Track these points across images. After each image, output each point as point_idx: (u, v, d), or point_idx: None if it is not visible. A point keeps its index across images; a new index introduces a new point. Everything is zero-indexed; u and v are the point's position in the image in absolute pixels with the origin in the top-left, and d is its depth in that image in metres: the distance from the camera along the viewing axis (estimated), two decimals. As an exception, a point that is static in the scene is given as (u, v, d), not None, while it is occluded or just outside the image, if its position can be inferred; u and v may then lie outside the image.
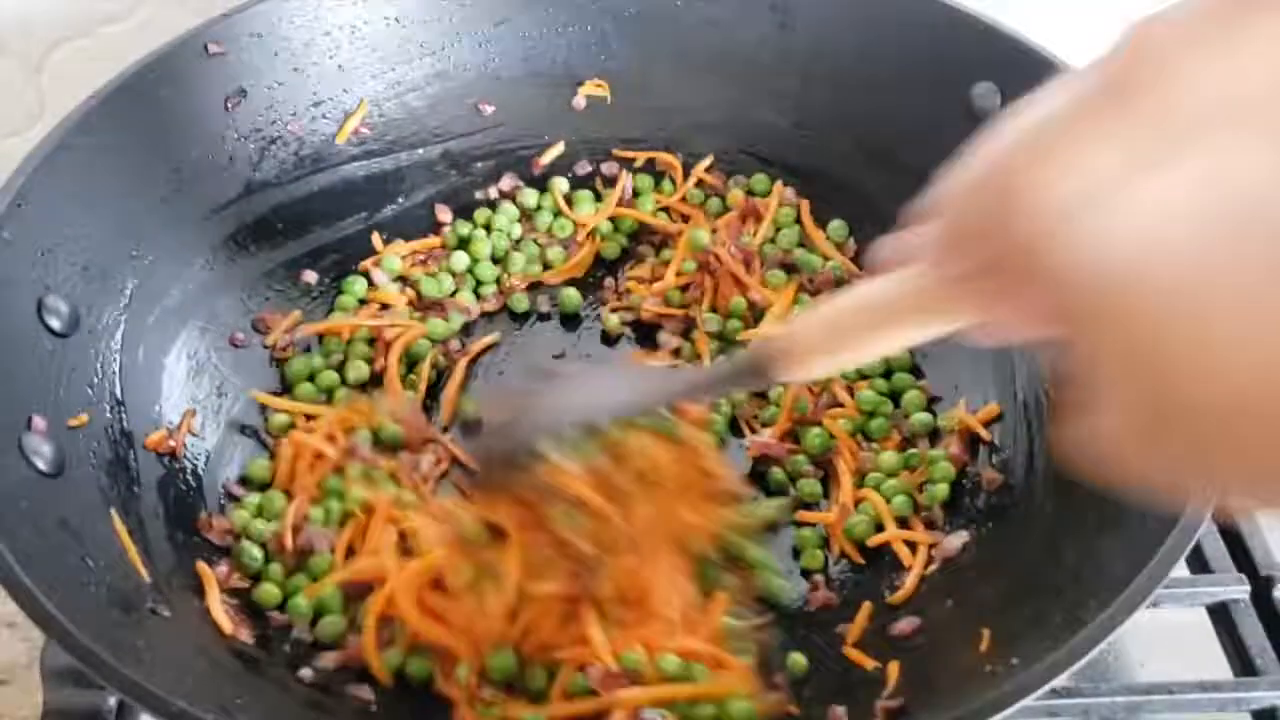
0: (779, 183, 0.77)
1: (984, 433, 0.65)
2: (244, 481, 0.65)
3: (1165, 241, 0.21)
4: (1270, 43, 0.22)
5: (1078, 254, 0.23)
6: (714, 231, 0.76)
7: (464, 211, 0.78)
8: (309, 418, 0.67)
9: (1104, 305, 0.23)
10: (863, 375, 0.69)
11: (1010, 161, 0.25)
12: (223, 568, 0.59)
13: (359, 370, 0.70)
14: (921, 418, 0.67)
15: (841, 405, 0.67)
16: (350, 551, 0.61)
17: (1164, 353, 0.22)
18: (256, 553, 0.60)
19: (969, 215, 0.27)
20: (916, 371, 0.70)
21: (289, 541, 0.60)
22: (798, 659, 0.57)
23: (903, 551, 0.61)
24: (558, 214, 0.78)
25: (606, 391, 0.57)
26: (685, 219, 0.78)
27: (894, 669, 0.54)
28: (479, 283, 0.76)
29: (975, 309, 0.34)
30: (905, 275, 0.37)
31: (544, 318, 0.75)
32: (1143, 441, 0.24)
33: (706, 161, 0.79)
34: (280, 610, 0.59)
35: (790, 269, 0.74)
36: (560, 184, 0.79)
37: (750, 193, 0.78)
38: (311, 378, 0.70)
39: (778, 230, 0.76)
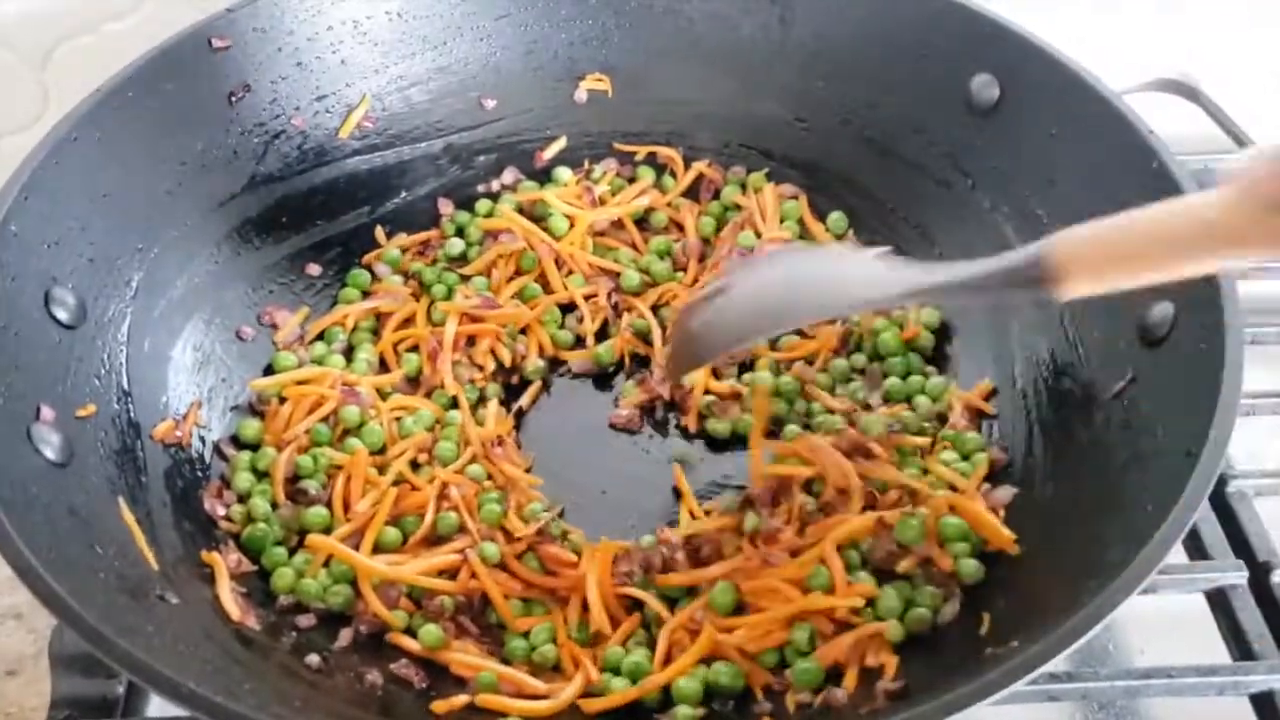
0: (772, 183, 0.78)
1: (987, 407, 0.66)
2: (235, 441, 0.66)
3: None
4: None
5: None
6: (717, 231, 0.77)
7: (466, 205, 0.79)
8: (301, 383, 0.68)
9: None
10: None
11: None
12: (233, 555, 0.60)
13: (369, 354, 0.71)
14: (924, 400, 0.67)
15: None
16: (345, 506, 0.63)
17: None
18: (264, 508, 0.62)
19: None
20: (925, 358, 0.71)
21: (281, 495, 0.62)
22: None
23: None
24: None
25: (837, 281, 0.53)
26: (680, 227, 0.78)
27: (890, 655, 0.55)
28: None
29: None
30: (1210, 199, 0.36)
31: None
32: None
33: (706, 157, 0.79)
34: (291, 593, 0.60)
35: None
36: (563, 174, 0.79)
37: (743, 187, 0.78)
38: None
39: (781, 222, 0.76)
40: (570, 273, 0.76)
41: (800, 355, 0.71)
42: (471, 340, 0.72)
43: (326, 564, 0.61)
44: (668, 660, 0.56)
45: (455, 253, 0.76)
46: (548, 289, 0.75)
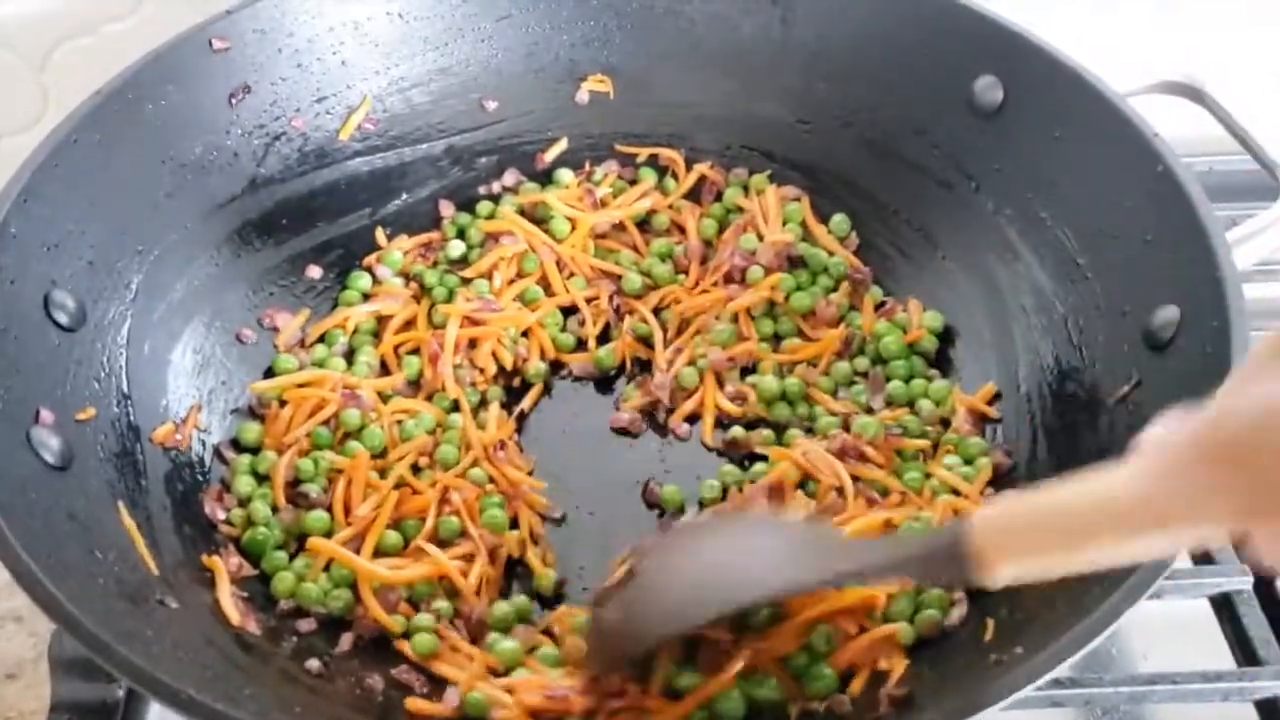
0: (774, 185, 0.78)
1: (990, 411, 0.66)
2: (235, 444, 0.66)
3: None
4: None
5: None
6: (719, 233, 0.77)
7: (467, 206, 0.78)
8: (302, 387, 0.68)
9: None
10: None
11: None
12: (234, 559, 0.60)
13: (369, 357, 0.70)
14: (927, 404, 0.67)
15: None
16: (346, 510, 0.62)
17: None
18: (264, 512, 0.62)
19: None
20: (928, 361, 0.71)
21: (281, 499, 0.62)
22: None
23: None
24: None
25: (757, 563, 0.51)
26: (682, 229, 0.78)
27: (901, 658, 0.54)
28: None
29: (1219, 520, 0.32)
30: (1137, 476, 0.34)
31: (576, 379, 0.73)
32: None
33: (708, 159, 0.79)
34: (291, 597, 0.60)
35: (795, 263, 0.74)
36: (564, 176, 0.79)
37: (745, 190, 0.78)
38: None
39: (784, 224, 0.76)
40: (571, 275, 0.76)
41: (803, 358, 0.71)
42: (473, 343, 0.72)
43: (327, 568, 0.61)
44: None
45: (456, 255, 0.76)
46: (549, 291, 0.75)
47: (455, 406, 0.69)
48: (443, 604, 0.59)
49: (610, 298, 0.74)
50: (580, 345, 0.74)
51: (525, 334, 0.73)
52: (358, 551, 0.60)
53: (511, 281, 0.75)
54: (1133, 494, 0.34)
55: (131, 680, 0.45)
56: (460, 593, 0.60)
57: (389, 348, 0.71)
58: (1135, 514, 0.34)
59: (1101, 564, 0.39)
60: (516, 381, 0.72)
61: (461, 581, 0.60)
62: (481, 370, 0.71)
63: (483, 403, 0.70)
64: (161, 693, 0.44)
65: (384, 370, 0.71)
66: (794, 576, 0.50)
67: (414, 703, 0.55)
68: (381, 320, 0.73)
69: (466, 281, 0.74)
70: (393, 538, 0.62)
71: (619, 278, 0.75)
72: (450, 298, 0.73)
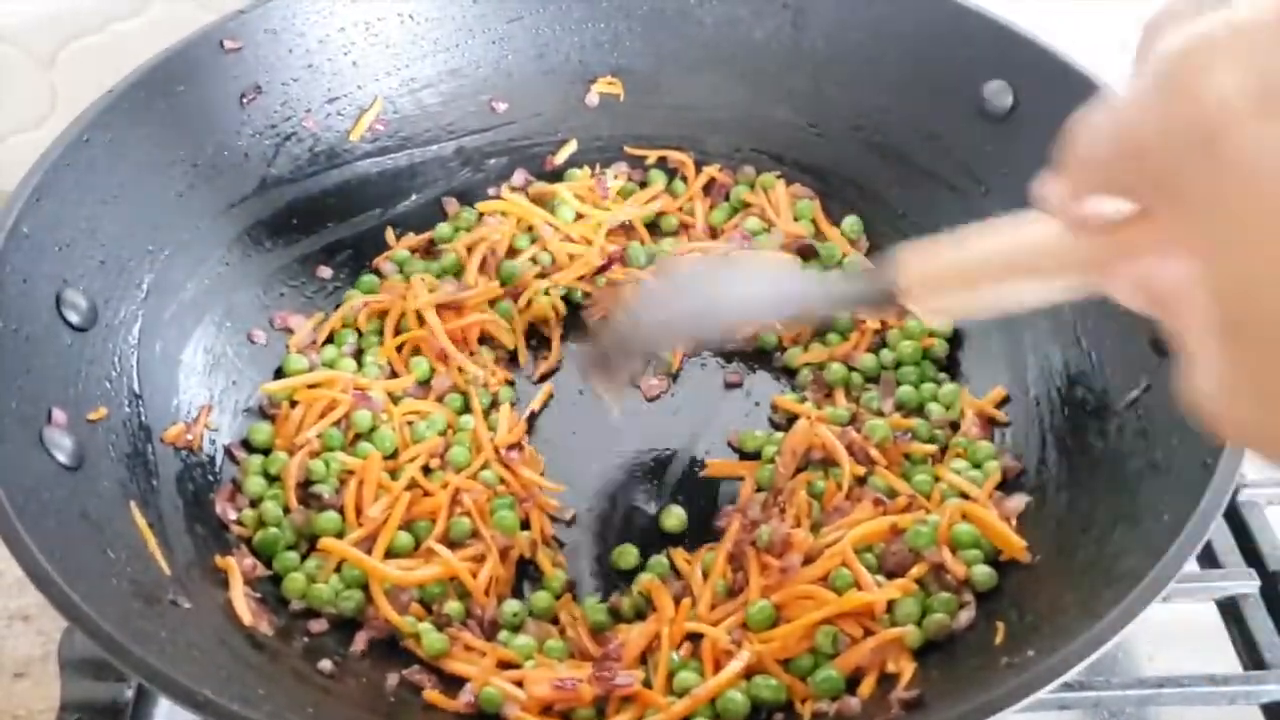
0: (783, 181, 0.78)
1: (1000, 415, 0.66)
2: (246, 445, 0.66)
3: None
4: None
5: (1248, 157, 0.22)
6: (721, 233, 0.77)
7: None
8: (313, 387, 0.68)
9: (1258, 221, 0.22)
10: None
11: (1196, 55, 0.24)
12: (247, 560, 0.60)
13: (378, 358, 0.70)
14: (936, 408, 0.67)
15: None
16: (358, 511, 0.62)
17: None
18: (276, 513, 0.62)
19: (1142, 111, 0.25)
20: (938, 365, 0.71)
21: (293, 500, 0.62)
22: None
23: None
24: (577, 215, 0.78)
25: (726, 295, 0.56)
26: (688, 229, 0.78)
27: (909, 661, 0.55)
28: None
29: (1107, 260, 0.32)
30: (1039, 225, 0.36)
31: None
32: (1235, 395, 0.24)
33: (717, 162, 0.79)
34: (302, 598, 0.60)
35: (805, 254, 0.74)
36: (574, 174, 0.79)
37: (753, 187, 0.78)
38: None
39: (795, 220, 0.76)
40: (573, 258, 0.76)
41: (840, 354, 0.71)
42: (482, 339, 0.72)
43: (338, 569, 0.61)
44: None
45: (442, 237, 0.76)
46: (543, 275, 0.75)
47: (466, 408, 0.69)
48: (454, 605, 0.59)
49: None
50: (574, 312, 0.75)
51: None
52: (369, 552, 0.60)
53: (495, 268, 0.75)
54: (1027, 236, 0.37)
55: (147, 680, 0.45)
56: (471, 594, 0.60)
57: (391, 349, 0.71)
58: (1027, 254, 0.37)
59: (1010, 304, 0.42)
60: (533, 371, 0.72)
61: (472, 582, 0.60)
62: (492, 367, 0.71)
63: (494, 404, 0.70)
64: (177, 693, 0.44)
65: (395, 373, 0.71)
66: (758, 307, 0.56)
67: (432, 694, 0.55)
68: (385, 318, 0.73)
69: (449, 274, 0.74)
70: (404, 539, 0.62)
71: (623, 250, 0.75)
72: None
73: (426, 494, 0.63)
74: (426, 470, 0.65)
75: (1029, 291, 0.39)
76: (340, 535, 0.62)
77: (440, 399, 0.70)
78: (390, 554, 0.61)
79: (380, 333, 0.73)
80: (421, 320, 0.71)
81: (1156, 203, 0.26)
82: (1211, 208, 0.23)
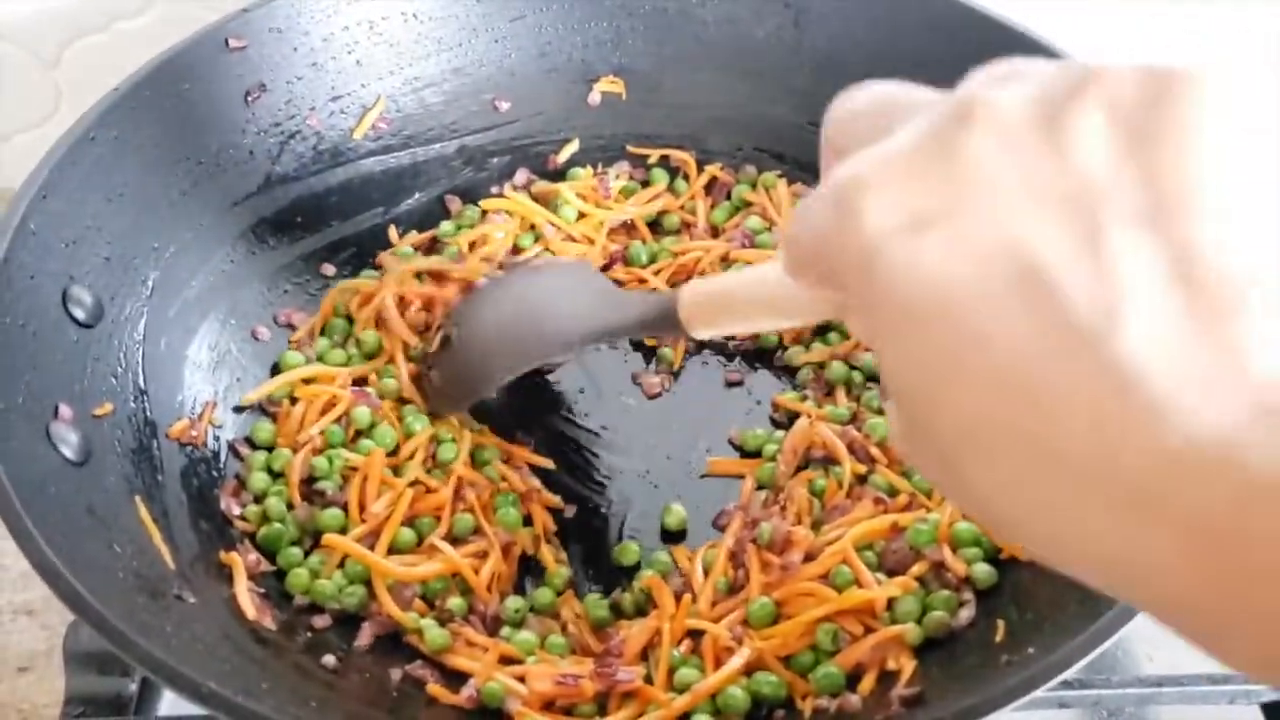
0: (785, 180, 0.78)
1: None
2: (249, 443, 0.66)
3: (950, 285, 0.25)
4: (1091, 152, 0.24)
5: (892, 274, 0.26)
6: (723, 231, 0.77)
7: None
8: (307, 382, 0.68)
9: (901, 324, 0.26)
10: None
11: (855, 186, 0.27)
12: (251, 555, 0.60)
13: (368, 341, 0.70)
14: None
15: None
16: (361, 507, 0.63)
17: (930, 371, 0.25)
18: (280, 508, 0.62)
19: (821, 232, 0.28)
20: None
21: (296, 497, 0.62)
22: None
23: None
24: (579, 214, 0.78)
25: (549, 319, 0.63)
26: (689, 227, 0.78)
27: (909, 658, 0.55)
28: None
29: (828, 309, 0.40)
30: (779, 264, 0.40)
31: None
32: (912, 444, 0.28)
33: (719, 160, 0.79)
34: (306, 593, 0.60)
35: None
36: (577, 173, 0.79)
37: (754, 186, 0.78)
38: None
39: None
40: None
41: (844, 351, 0.71)
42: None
43: (342, 565, 0.61)
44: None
45: (444, 232, 0.76)
46: None
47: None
48: (456, 601, 0.59)
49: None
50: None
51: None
52: (372, 548, 0.61)
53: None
54: (777, 284, 0.44)
55: (152, 673, 0.45)
56: (473, 590, 0.60)
57: (369, 324, 0.71)
58: (779, 299, 0.44)
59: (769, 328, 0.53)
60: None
61: (474, 579, 0.60)
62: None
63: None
64: (181, 686, 0.45)
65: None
66: (575, 331, 0.63)
67: (435, 688, 0.56)
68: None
69: (439, 253, 0.75)
70: (407, 535, 0.62)
71: (625, 248, 0.76)
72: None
73: (429, 490, 0.64)
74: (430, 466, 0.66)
75: (784, 321, 0.51)
76: (344, 531, 0.62)
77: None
78: (393, 550, 0.61)
79: (378, 324, 0.73)
80: (402, 301, 0.71)
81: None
82: (874, 316, 0.26)
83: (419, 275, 0.72)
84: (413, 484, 0.64)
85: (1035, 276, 0.24)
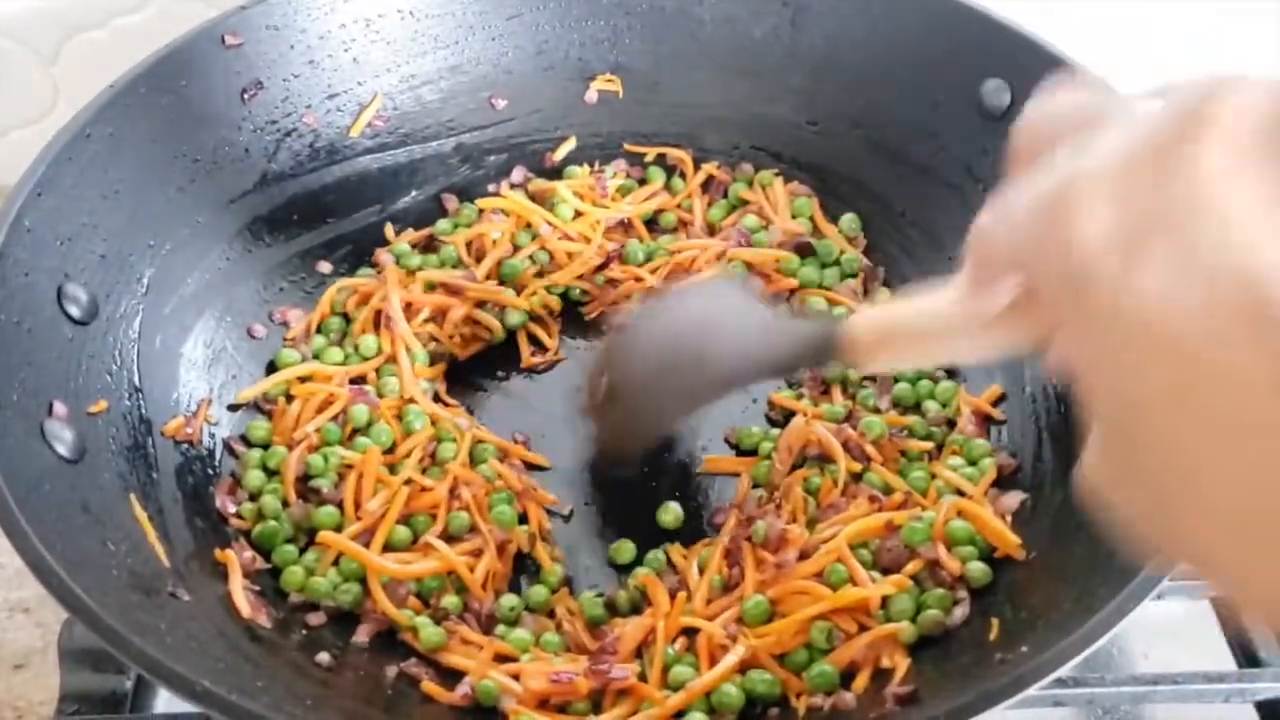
0: (781, 178, 0.78)
1: (996, 412, 0.66)
2: (244, 441, 0.66)
3: (1179, 313, 0.23)
4: None
5: (1113, 295, 0.24)
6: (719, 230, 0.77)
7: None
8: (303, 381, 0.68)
9: (1119, 349, 0.24)
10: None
11: (1071, 193, 0.25)
12: (247, 553, 0.60)
13: (367, 343, 0.70)
14: (933, 405, 0.68)
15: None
16: (357, 505, 0.63)
17: (1154, 403, 0.24)
18: (275, 506, 0.62)
19: (1026, 238, 0.26)
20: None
21: (292, 494, 0.62)
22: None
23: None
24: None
25: (709, 367, 0.57)
26: (686, 226, 0.78)
27: (903, 656, 0.55)
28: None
29: (1014, 336, 0.36)
30: (958, 285, 0.38)
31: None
32: (1119, 477, 0.26)
33: (716, 159, 0.80)
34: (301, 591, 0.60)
35: (803, 251, 0.75)
36: (574, 171, 0.79)
37: (751, 184, 0.78)
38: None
39: (793, 218, 0.77)
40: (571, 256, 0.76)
41: None
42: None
43: (336, 562, 0.61)
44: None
45: (443, 230, 0.76)
46: (541, 274, 0.75)
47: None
48: (451, 599, 0.59)
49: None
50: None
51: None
52: (367, 546, 0.61)
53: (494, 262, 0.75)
54: (951, 309, 0.40)
55: (146, 671, 0.45)
56: (468, 588, 0.60)
57: (367, 324, 0.71)
58: (954, 324, 0.40)
59: (946, 361, 0.48)
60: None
61: (469, 577, 0.60)
62: (452, 336, 0.71)
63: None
64: (176, 684, 0.45)
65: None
66: (735, 374, 0.58)
67: (429, 686, 0.56)
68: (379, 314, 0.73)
69: (436, 251, 0.75)
70: (402, 533, 0.62)
71: (622, 247, 0.76)
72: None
73: (424, 489, 0.64)
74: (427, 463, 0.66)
75: (966, 352, 0.45)
76: (339, 529, 0.62)
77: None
78: (389, 547, 0.61)
79: (377, 323, 0.73)
80: (410, 308, 0.71)
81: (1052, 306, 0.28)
82: (1084, 338, 0.25)
83: (430, 286, 0.72)
84: (407, 482, 0.64)
85: (1267, 309, 0.22)
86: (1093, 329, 0.24)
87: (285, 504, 0.63)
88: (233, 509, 0.63)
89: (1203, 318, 0.22)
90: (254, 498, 0.64)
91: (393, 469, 0.65)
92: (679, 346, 0.58)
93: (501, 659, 0.57)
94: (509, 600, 0.60)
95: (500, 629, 0.59)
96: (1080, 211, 0.24)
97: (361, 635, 0.58)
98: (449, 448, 0.66)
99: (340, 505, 0.63)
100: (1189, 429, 0.23)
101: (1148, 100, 0.26)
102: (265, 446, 0.66)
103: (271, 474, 0.65)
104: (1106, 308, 0.24)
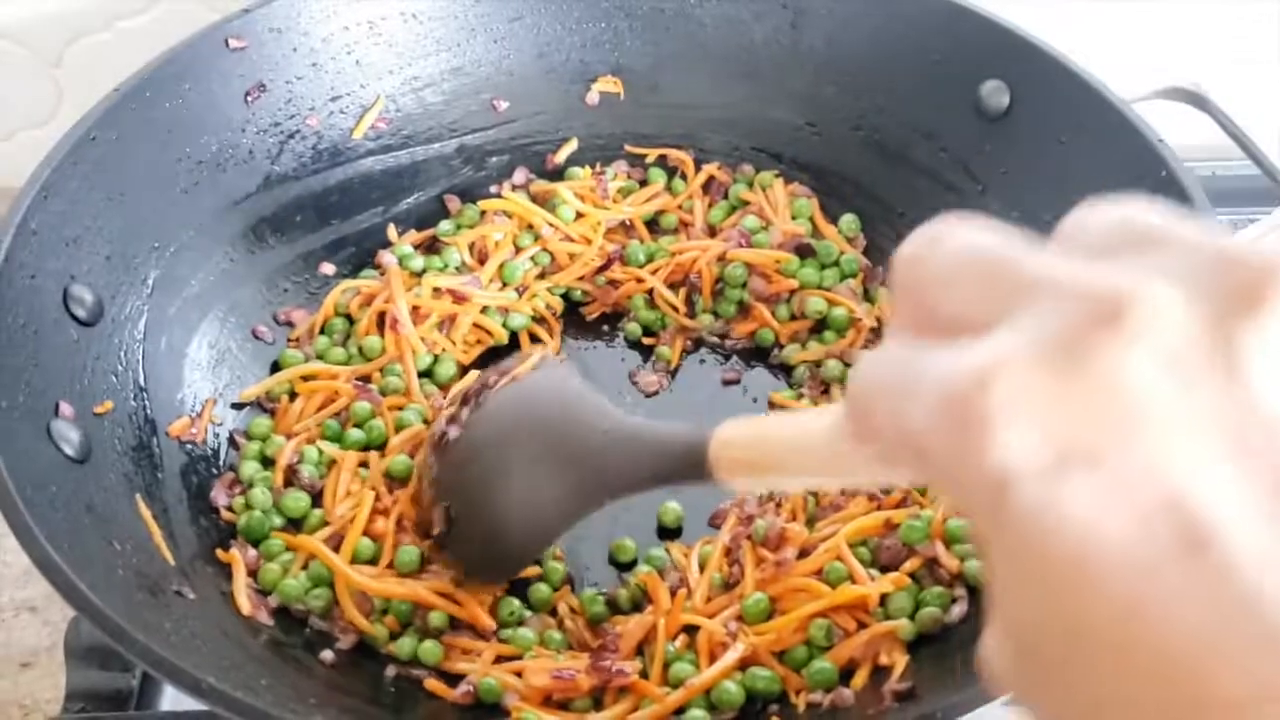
0: (782, 179, 0.78)
1: None
2: (247, 436, 0.67)
3: (1101, 541, 0.21)
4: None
5: (1030, 517, 0.21)
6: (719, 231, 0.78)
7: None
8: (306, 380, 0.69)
9: (1033, 569, 0.22)
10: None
11: (981, 396, 0.22)
12: (252, 552, 0.60)
13: (371, 346, 0.71)
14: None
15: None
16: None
17: (1062, 628, 0.22)
18: (262, 497, 0.62)
19: (926, 421, 0.23)
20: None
21: (282, 483, 0.63)
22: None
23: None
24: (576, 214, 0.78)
25: (550, 494, 0.54)
26: (687, 227, 0.79)
27: (902, 653, 0.55)
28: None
29: (896, 477, 0.34)
30: (835, 421, 0.35)
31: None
32: (1020, 678, 0.24)
33: (717, 160, 0.80)
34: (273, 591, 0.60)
35: (803, 252, 0.75)
36: (575, 172, 0.80)
37: (751, 185, 0.79)
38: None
39: (793, 219, 0.77)
40: (573, 257, 0.76)
41: (838, 349, 0.72)
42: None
43: (306, 566, 0.60)
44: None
45: (445, 231, 0.77)
46: (542, 275, 0.76)
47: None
48: (437, 616, 0.58)
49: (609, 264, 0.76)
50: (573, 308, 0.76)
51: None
52: (337, 550, 0.60)
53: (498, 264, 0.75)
54: (827, 444, 0.36)
55: (152, 668, 0.46)
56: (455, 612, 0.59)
57: (371, 325, 0.71)
58: (829, 459, 0.36)
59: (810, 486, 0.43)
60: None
61: (455, 609, 0.58)
62: (458, 342, 0.71)
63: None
64: (182, 680, 0.45)
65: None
66: (574, 512, 0.55)
67: (432, 683, 0.56)
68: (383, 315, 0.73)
69: (439, 253, 0.75)
70: (365, 545, 0.60)
71: (623, 247, 0.76)
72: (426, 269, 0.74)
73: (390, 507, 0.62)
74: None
75: (830, 483, 0.39)
76: (304, 519, 0.62)
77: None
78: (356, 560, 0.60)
79: (382, 325, 0.73)
80: (417, 312, 0.72)
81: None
82: (993, 541, 0.23)
83: (436, 290, 0.72)
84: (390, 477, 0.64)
85: (1203, 541, 0.20)
86: (1008, 544, 0.22)
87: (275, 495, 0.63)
88: (225, 501, 0.63)
89: (1131, 544, 0.21)
90: (248, 489, 0.64)
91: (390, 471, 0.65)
92: (531, 455, 0.54)
93: (504, 657, 0.57)
94: (509, 604, 0.60)
95: (504, 633, 0.59)
96: (996, 421, 0.21)
97: (343, 644, 0.58)
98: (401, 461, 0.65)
99: (318, 497, 0.63)
100: (1103, 660, 0.21)
101: (1060, 266, 0.23)
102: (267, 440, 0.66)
103: (269, 464, 0.65)
104: (1028, 530, 0.21)
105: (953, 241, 0.25)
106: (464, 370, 0.72)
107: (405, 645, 0.58)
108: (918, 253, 0.25)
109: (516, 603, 0.60)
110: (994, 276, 0.24)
